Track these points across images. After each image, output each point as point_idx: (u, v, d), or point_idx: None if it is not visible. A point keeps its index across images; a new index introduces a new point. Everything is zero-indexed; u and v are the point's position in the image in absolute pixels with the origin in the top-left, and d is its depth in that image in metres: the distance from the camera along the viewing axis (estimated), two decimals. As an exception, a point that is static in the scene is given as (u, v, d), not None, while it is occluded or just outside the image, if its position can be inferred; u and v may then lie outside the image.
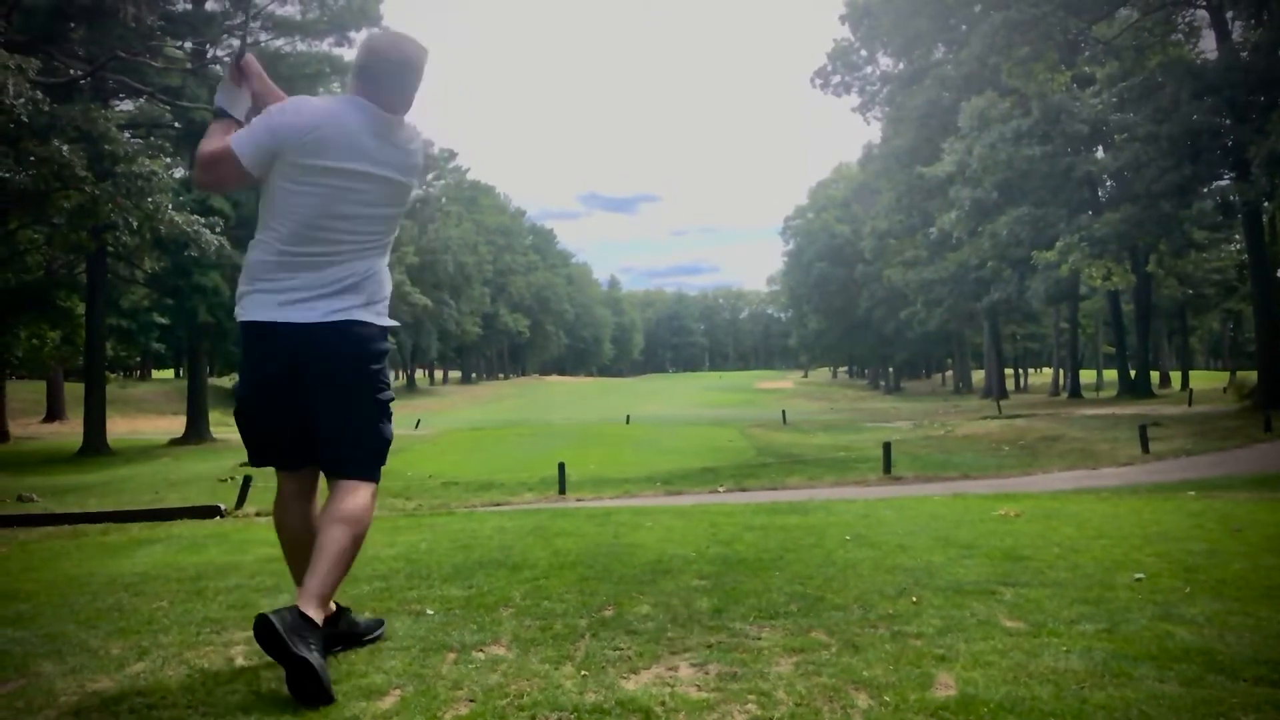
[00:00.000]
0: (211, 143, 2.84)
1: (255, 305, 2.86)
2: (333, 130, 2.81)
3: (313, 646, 2.52)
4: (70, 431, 37.91)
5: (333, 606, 3.03)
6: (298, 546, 3.04)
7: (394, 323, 3.07)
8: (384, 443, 3.01)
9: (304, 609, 2.59)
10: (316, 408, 2.91)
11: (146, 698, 2.58)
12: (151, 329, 50.42)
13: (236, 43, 30.23)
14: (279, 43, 32.08)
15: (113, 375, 57.38)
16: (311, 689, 2.47)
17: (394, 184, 2.92)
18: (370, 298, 2.92)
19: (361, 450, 2.94)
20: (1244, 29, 30.17)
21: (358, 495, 2.87)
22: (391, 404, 3.05)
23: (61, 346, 36.29)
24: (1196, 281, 52.56)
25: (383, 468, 3.06)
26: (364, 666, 2.83)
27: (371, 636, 3.15)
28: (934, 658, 2.84)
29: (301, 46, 32.42)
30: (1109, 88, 33.08)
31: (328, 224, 2.83)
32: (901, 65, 53.35)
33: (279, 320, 2.84)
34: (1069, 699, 2.45)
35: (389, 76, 2.92)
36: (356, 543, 2.82)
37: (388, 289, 3.02)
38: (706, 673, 2.75)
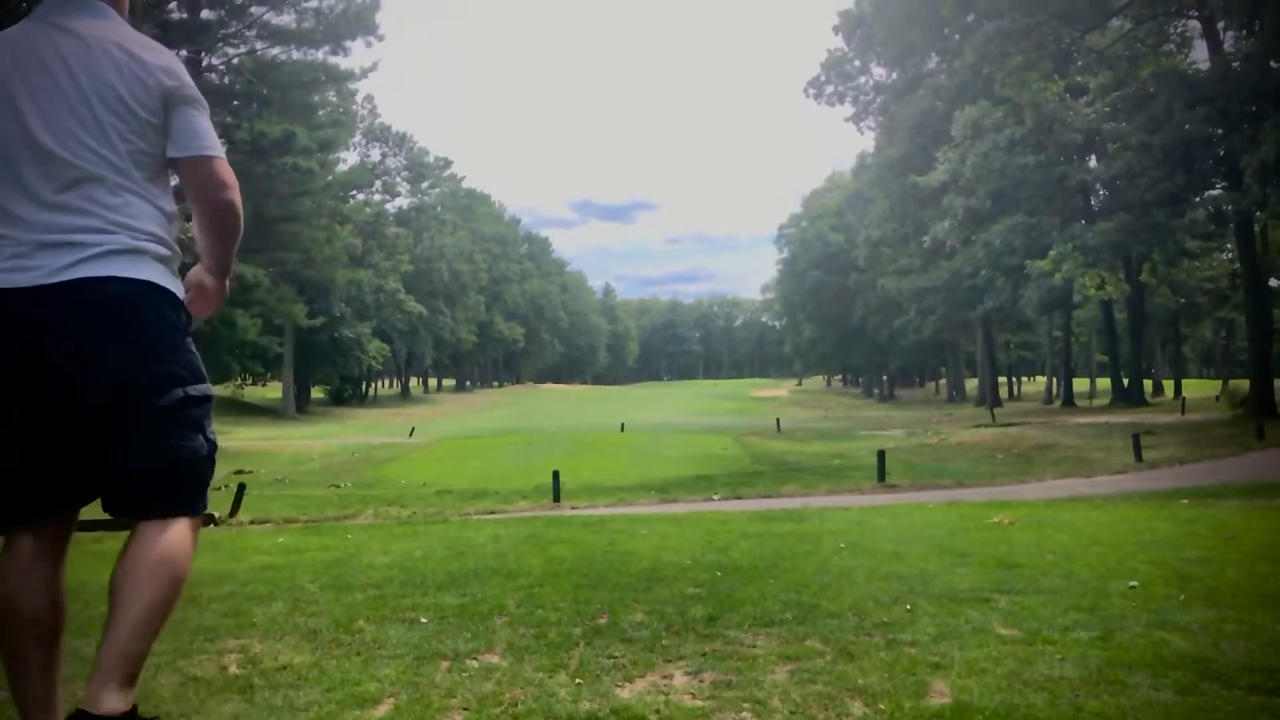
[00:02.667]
0: None
1: None
2: (9, 42, 2.11)
3: None
4: (63, 439, 37.71)
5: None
6: (27, 630, 2.01)
7: (173, 283, 2.12)
8: (189, 463, 2.11)
9: (100, 709, 1.90)
10: (74, 418, 2.02)
11: (139, 706, 2.56)
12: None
13: (232, 51, 30.45)
14: (275, 51, 32.09)
15: (106, 383, 57.22)
16: None
17: (99, 79, 2.05)
18: (121, 241, 2.02)
19: (155, 478, 2.05)
20: (1236, 39, 30.32)
21: (169, 531, 2.04)
22: (197, 403, 2.13)
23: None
24: (1189, 290, 52.65)
25: (208, 490, 2.23)
26: (357, 675, 2.82)
27: None
28: (929, 665, 2.84)
29: (297, 55, 32.44)
30: (1102, 97, 33.23)
31: (19, 150, 2.01)
32: (895, 75, 53.46)
33: None
34: (1064, 706, 2.45)
35: None
36: (175, 593, 2.05)
37: (154, 228, 2.09)
38: (701, 681, 2.75)
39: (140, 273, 2.02)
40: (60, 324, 1.96)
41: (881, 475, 16.86)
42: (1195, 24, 31.55)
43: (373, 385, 78.54)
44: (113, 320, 1.99)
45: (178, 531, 2.07)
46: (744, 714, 2.46)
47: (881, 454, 17.61)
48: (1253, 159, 25.26)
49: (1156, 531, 5.85)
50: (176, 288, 2.13)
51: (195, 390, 2.12)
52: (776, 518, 7.08)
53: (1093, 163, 38.55)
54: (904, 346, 69.99)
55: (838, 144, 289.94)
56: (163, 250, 2.10)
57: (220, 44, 29.76)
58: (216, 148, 2.17)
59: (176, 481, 2.09)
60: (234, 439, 36.62)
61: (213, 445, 2.20)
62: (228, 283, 2.29)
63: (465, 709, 2.52)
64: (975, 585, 4.05)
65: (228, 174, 2.18)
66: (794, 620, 3.45)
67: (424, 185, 77.84)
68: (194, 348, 2.16)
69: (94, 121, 2.03)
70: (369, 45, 32.84)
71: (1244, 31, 29.51)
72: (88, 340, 1.98)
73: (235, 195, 2.18)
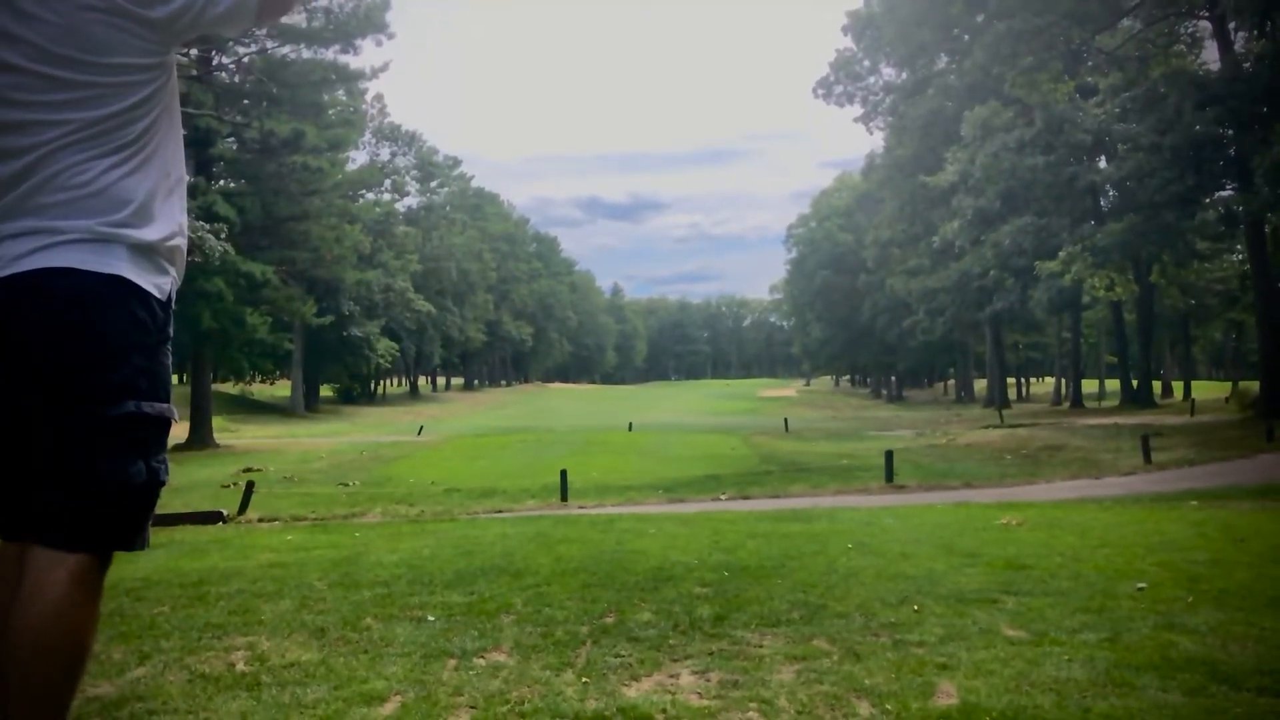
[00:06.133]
0: None
1: None
2: None
3: None
4: (73, 437, 37.82)
5: None
6: None
7: (149, 277, 1.78)
8: (114, 489, 1.72)
9: None
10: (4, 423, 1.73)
11: (147, 703, 2.58)
12: (155, 335, 50.40)
13: (242, 50, 30.49)
14: (285, 50, 32.17)
15: (116, 381, 57.32)
16: None
17: (73, 20, 1.67)
18: (88, 228, 1.70)
19: (62, 498, 1.69)
20: (1247, 40, 30.18)
21: (50, 582, 1.66)
22: (148, 423, 1.76)
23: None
24: (1199, 291, 52.46)
25: (150, 528, 1.86)
26: (365, 672, 2.83)
27: None
28: (936, 666, 2.83)
29: (307, 54, 32.50)
30: (1112, 98, 33.11)
31: None
32: (904, 75, 53.35)
33: None
34: (1071, 708, 2.44)
35: None
36: (68, 666, 1.68)
37: (134, 214, 1.75)
38: (708, 680, 2.75)
39: (106, 265, 1.71)
40: (9, 317, 1.68)
41: (889, 476, 16.83)
42: (1206, 24, 31.45)
43: (381, 384, 78.73)
44: (59, 316, 1.68)
45: (60, 577, 1.67)
46: (750, 714, 2.46)
47: (889, 454, 17.59)
48: (1263, 160, 25.14)
49: (1165, 533, 5.83)
50: (156, 283, 1.79)
51: (150, 408, 1.75)
52: (784, 518, 7.08)
53: (1103, 163, 38.45)
54: (912, 347, 69.84)
55: (847, 143, 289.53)
56: (141, 236, 1.76)
57: (230, 42, 29.82)
58: None
59: (91, 507, 1.70)
60: (243, 437, 36.73)
61: (154, 478, 1.80)
62: None
63: (472, 707, 2.52)
64: (983, 586, 4.04)
65: None
66: (801, 620, 3.45)
67: (433, 184, 77.92)
68: (166, 359, 1.83)
69: (33, 70, 1.69)
70: (379, 44, 32.84)
71: (1255, 32, 29.37)
72: (32, 331, 1.68)
73: None
